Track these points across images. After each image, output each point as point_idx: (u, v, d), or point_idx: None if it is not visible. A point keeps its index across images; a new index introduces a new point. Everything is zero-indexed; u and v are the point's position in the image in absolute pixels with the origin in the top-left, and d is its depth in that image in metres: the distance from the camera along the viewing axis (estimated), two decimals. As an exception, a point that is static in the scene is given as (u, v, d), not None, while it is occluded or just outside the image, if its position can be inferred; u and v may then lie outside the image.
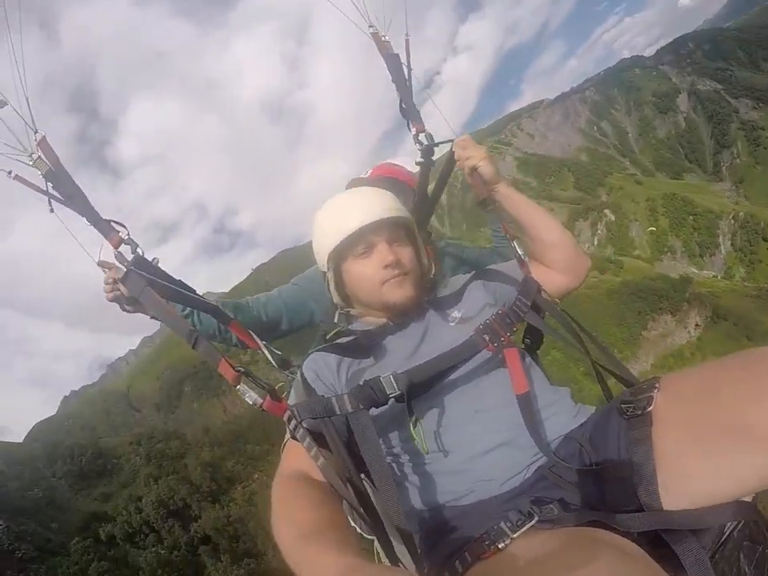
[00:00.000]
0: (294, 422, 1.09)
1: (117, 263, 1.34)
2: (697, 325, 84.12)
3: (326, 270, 1.43)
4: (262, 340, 1.31)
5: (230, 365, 1.11)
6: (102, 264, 1.45)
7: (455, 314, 1.41)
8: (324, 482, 1.07)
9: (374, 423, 1.11)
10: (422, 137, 1.64)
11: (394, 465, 1.25)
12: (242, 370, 1.11)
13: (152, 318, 1.44)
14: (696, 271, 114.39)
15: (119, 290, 1.49)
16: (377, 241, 1.37)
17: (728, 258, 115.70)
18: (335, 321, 1.55)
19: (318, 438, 1.09)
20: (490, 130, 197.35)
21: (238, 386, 1.10)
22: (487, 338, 1.27)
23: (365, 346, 1.35)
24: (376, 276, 1.37)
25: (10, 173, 1.31)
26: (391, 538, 1.02)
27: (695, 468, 0.90)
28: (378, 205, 1.38)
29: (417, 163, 1.75)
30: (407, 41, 1.76)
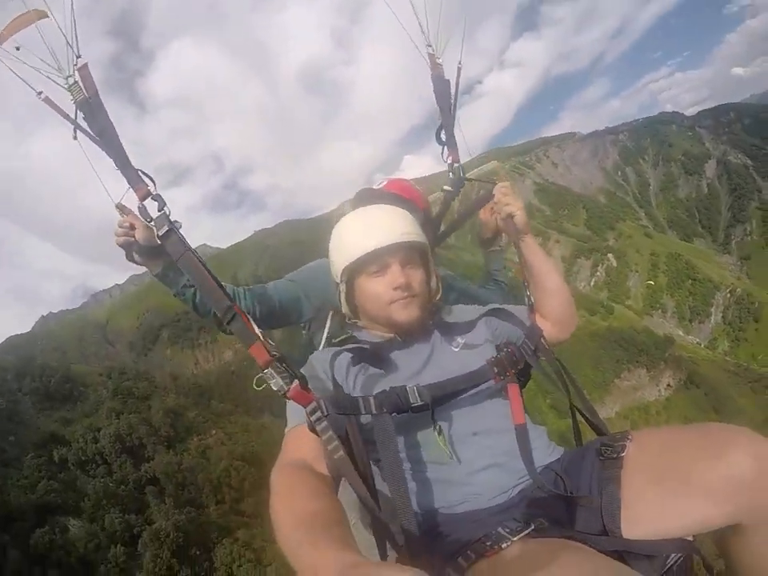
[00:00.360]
0: (318, 413, 1.12)
1: (137, 214, 1.33)
2: (669, 385, 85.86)
3: (339, 282, 1.49)
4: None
5: (266, 348, 1.13)
6: (120, 207, 1.45)
7: (459, 340, 1.50)
8: (325, 474, 1.11)
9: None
10: (455, 167, 1.75)
11: None
12: (278, 354, 1.13)
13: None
14: (682, 334, 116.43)
15: (134, 237, 1.52)
16: (391, 262, 1.43)
17: (716, 329, 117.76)
18: (343, 328, 1.61)
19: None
20: (518, 150, 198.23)
21: (265, 370, 1.12)
22: (496, 370, 1.40)
23: (374, 356, 1.42)
24: (385, 295, 1.43)
25: (40, 93, 1.24)
26: (394, 534, 1.09)
27: (652, 507, 1.10)
28: (397, 227, 1.44)
29: (443, 190, 1.82)
30: (459, 69, 1.79)
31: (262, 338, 1.14)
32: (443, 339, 1.50)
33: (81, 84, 1.24)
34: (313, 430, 1.13)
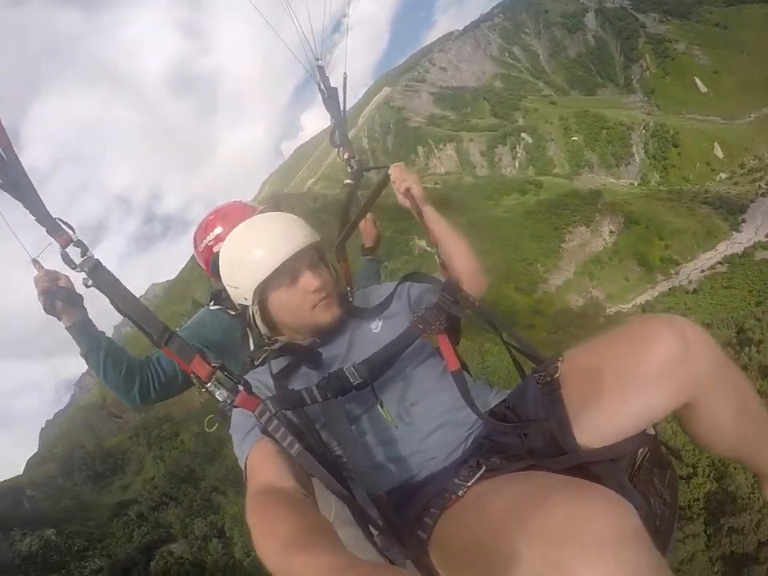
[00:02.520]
0: (267, 414, 1.13)
1: (63, 263, 1.27)
2: (611, 231, 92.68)
3: (248, 305, 1.41)
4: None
5: (206, 361, 1.14)
6: (36, 262, 1.46)
7: (377, 321, 1.52)
8: (294, 485, 1.07)
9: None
10: (352, 162, 1.87)
11: None
12: (218, 365, 1.14)
13: (120, 313, 1.26)
14: (614, 181, 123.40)
15: (56, 285, 1.59)
16: (299, 267, 1.39)
17: (642, 166, 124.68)
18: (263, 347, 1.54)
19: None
20: (404, 68, 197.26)
21: (208, 383, 1.14)
22: (421, 326, 1.41)
23: (300, 359, 1.42)
24: (305, 302, 1.40)
25: None
26: (364, 506, 1.13)
27: (600, 414, 1.14)
28: (296, 232, 1.41)
29: (345, 184, 1.90)
30: (345, 78, 1.94)
31: (199, 351, 1.16)
32: (361, 325, 1.51)
33: None
34: (266, 432, 1.15)
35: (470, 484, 1.08)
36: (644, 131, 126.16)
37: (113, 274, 1.24)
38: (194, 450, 39.33)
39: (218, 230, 2.09)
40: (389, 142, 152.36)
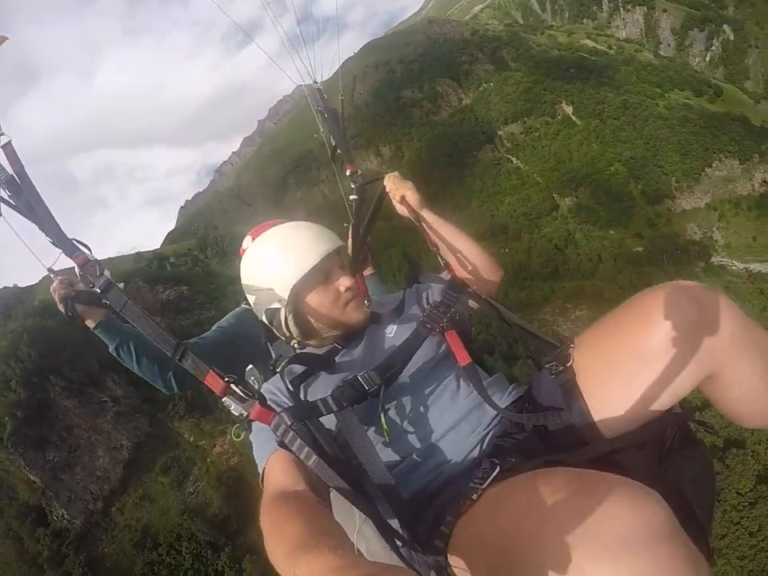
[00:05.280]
0: (282, 426, 1.14)
1: (80, 281, 1.41)
2: (764, 181, 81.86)
3: (281, 307, 1.42)
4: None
5: (219, 375, 1.14)
6: (52, 271, 1.46)
7: (392, 326, 1.51)
8: (309, 493, 1.09)
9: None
10: (356, 177, 1.93)
11: None
12: (232, 378, 1.14)
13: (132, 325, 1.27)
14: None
15: (74, 291, 1.64)
16: (330, 268, 1.43)
17: None
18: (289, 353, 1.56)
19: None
20: None
21: (224, 398, 1.14)
22: (428, 326, 1.39)
23: (319, 365, 1.43)
24: (338, 301, 1.43)
25: None
26: (386, 517, 1.11)
27: (619, 397, 1.08)
28: (325, 236, 1.46)
29: (351, 200, 1.93)
30: (342, 101, 2.07)
31: (212, 368, 1.15)
32: (377, 331, 1.52)
33: (5, 163, 1.23)
34: (283, 444, 1.15)
35: (484, 486, 1.03)
36: None
37: (123, 293, 1.26)
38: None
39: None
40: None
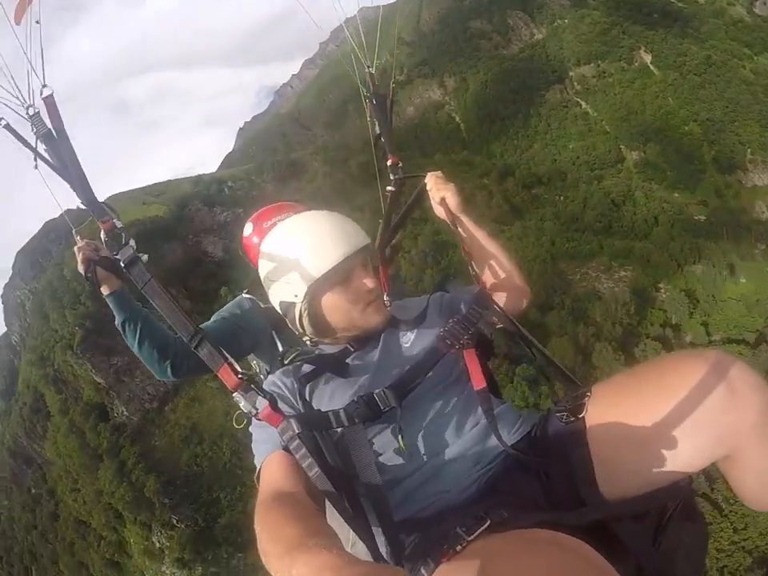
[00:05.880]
0: (289, 433, 1.12)
1: (105, 248, 1.38)
2: None
3: (296, 302, 1.38)
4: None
5: (234, 371, 1.13)
6: (78, 233, 1.48)
7: (409, 335, 1.47)
8: (305, 497, 1.07)
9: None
10: (396, 169, 1.85)
11: None
12: (246, 376, 1.14)
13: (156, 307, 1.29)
14: None
15: (97, 255, 1.61)
16: (354, 267, 1.39)
17: None
18: (291, 347, 1.56)
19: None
20: None
21: (234, 393, 1.14)
22: (448, 342, 1.34)
23: (332, 366, 1.39)
24: (358, 303, 1.39)
25: (0, 119, 1.23)
26: (377, 539, 1.09)
27: (627, 462, 1.06)
28: (354, 232, 1.42)
29: (387, 191, 1.88)
30: (393, 88, 1.98)
31: (228, 360, 1.15)
32: (393, 337, 1.48)
33: (44, 115, 1.23)
34: (286, 449, 1.14)
35: (470, 539, 0.99)
36: None
37: (146, 270, 1.26)
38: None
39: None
40: None
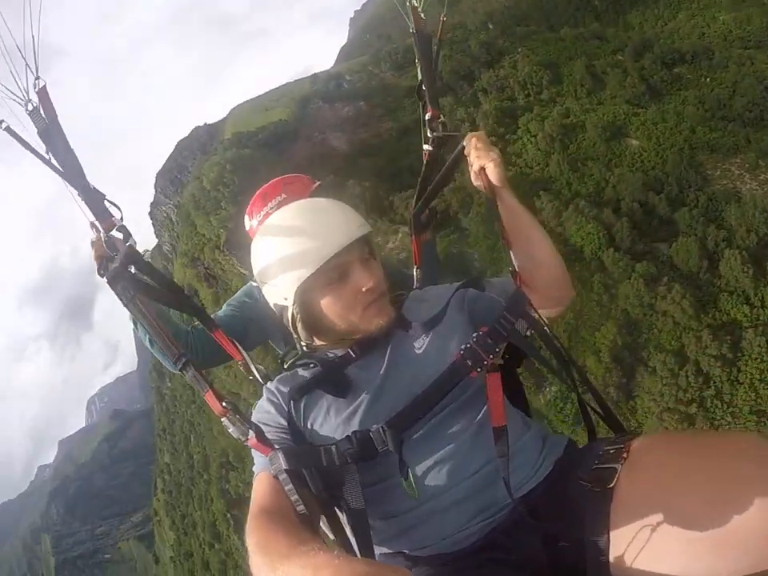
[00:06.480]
0: (276, 465, 1.09)
1: (105, 246, 1.25)
2: None
3: (288, 304, 1.26)
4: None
5: (218, 398, 1.09)
6: (95, 225, 1.29)
7: (423, 338, 1.29)
8: (294, 512, 1.06)
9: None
10: (436, 124, 1.54)
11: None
12: (229, 406, 1.10)
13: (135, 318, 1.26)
14: None
15: (111, 250, 1.38)
16: (350, 262, 1.24)
17: None
18: (297, 352, 1.46)
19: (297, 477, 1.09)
20: None
21: (223, 419, 1.10)
22: (470, 362, 1.17)
23: (329, 379, 1.26)
24: (356, 303, 1.25)
25: (0, 122, 1.17)
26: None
27: (645, 551, 0.94)
28: (350, 220, 1.27)
29: (425, 150, 1.59)
30: (443, 22, 1.68)
31: (212, 387, 1.11)
32: (404, 341, 1.30)
33: (41, 109, 1.16)
34: (276, 478, 1.11)
35: None
36: None
37: (135, 282, 1.19)
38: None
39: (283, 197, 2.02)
40: None
